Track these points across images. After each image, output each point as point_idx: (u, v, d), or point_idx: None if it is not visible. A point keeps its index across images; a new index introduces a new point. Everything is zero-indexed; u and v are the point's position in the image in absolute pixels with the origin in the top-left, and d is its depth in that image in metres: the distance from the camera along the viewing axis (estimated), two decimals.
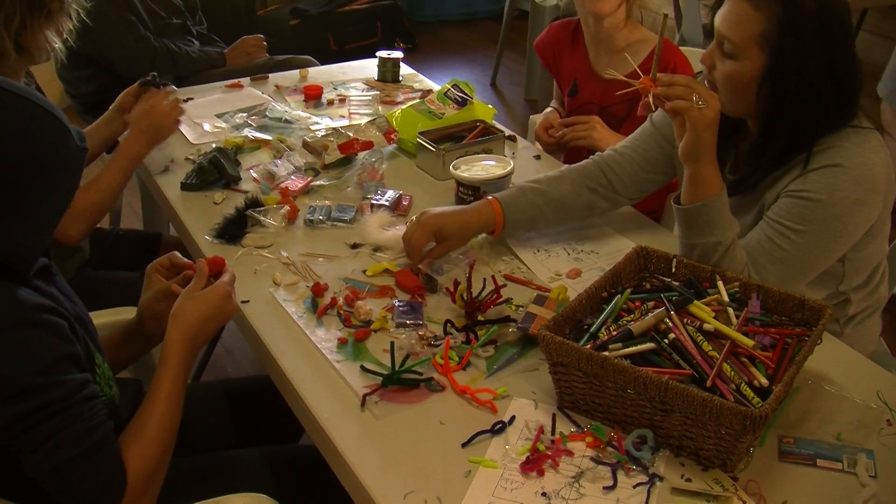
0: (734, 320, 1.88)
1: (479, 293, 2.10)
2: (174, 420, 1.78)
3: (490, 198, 2.38)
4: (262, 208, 2.52)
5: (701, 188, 2.14)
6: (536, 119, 3.42)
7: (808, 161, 2.15)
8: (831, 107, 2.14)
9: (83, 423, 1.59)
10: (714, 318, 1.87)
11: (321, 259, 2.36)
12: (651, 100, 2.12)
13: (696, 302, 1.91)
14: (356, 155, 2.86)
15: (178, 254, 2.06)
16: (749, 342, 1.79)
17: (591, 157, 2.51)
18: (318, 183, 2.73)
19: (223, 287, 1.90)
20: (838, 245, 2.18)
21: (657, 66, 2.17)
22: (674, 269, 2.07)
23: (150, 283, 2.03)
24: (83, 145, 1.68)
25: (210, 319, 1.87)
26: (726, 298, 1.95)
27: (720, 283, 1.98)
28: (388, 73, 3.61)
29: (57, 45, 2.56)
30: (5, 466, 1.63)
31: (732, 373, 1.74)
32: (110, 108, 2.93)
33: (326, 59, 4.34)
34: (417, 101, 3.15)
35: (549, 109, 3.29)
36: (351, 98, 3.42)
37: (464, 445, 1.76)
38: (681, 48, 3.06)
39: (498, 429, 1.79)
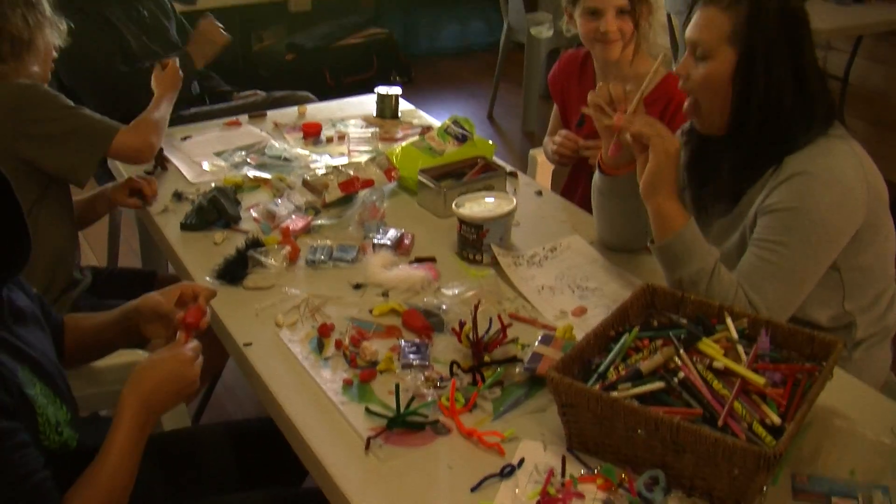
0: (744, 357, 1.86)
1: (486, 333, 2.08)
2: (126, 478, 1.75)
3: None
4: (262, 248, 2.50)
5: (668, 223, 2.21)
6: (537, 154, 3.42)
7: (778, 172, 2.22)
8: (798, 113, 2.23)
9: (14, 471, 1.58)
10: (724, 355, 1.85)
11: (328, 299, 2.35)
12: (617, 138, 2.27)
13: (704, 339, 1.89)
14: (357, 193, 2.84)
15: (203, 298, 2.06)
16: (760, 380, 1.77)
17: None
18: (318, 222, 2.72)
19: (182, 353, 1.85)
20: (825, 251, 2.22)
21: (639, 103, 2.29)
22: (681, 307, 2.05)
23: (168, 294, 2.04)
24: None
25: (168, 387, 1.83)
26: (735, 335, 1.93)
27: (728, 320, 1.96)
28: (388, 110, 3.60)
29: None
30: None
31: (744, 411, 1.72)
32: (100, 192, 3.04)
33: (323, 93, 4.34)
34: (417, 137, 3.14)
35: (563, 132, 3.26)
36: (350, 135, 3.41)
37: (473, 490, 1.73)
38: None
39: (507, 472, 1.76)
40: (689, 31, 2.30)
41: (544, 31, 6.39)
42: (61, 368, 1.93)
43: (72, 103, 2.76)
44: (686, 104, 2.35)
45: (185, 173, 3.09)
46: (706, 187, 2.39)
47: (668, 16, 5.61)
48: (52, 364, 1.88)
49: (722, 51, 2.23)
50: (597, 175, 2.51)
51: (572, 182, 3.30)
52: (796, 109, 2.22)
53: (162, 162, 3.09)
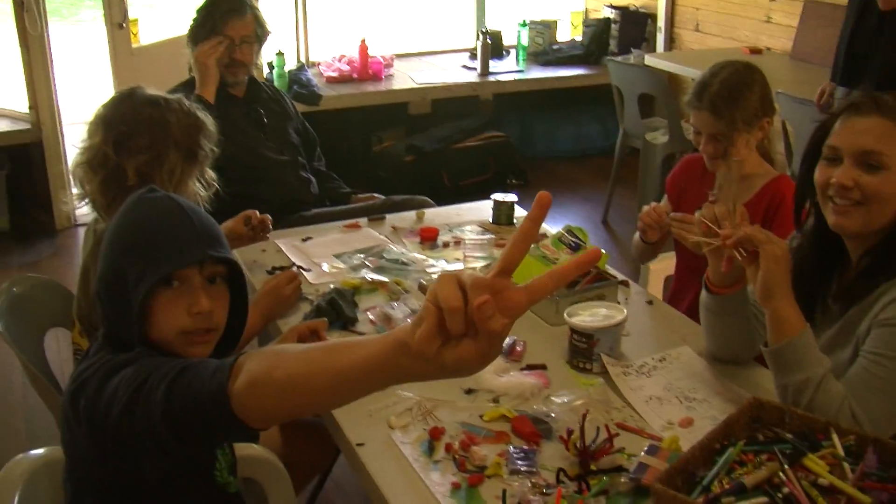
0: (850, 475, 1.86)
1: (593, 441, 2.12)
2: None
3: None
4: None
5: (784, 328, 2.22)
6: (650, 263, 3.43)
7: (893, 285, 2.21)
8: None
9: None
10: (829, 472, 1.86)
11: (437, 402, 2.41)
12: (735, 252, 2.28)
13: (810, 455, 1.90)
14: None
15: None
16: (866, 499, 1.77)
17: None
18: None
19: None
20: None
21: (742, 215, 2.35)
22: (787, 421, 2.06)
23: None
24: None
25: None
26: (841, 452, 1.93)
27: (835, 436, 1.97)
28: (503, 216, 3.67)
29: (202, 194, 2.70)
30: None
31: None
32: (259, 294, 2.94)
33: (440, 194, 4.42)
34: (532, 246, 3.19)
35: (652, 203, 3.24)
36: (466, 241, 3.49)
37: None
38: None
39: None
40: (847, 140, 2.26)
41: (659, 137, 6.46)
42: None
43: None
44: (849, 211, 2.29)
45: (305, 274, 3.19)
46: (818, 292, 2.41)
47: (784, 123, 5.63)
48: None
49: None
50: (704, 294, 2.53)
51: (679, 291, 3.33)
52: None
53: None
